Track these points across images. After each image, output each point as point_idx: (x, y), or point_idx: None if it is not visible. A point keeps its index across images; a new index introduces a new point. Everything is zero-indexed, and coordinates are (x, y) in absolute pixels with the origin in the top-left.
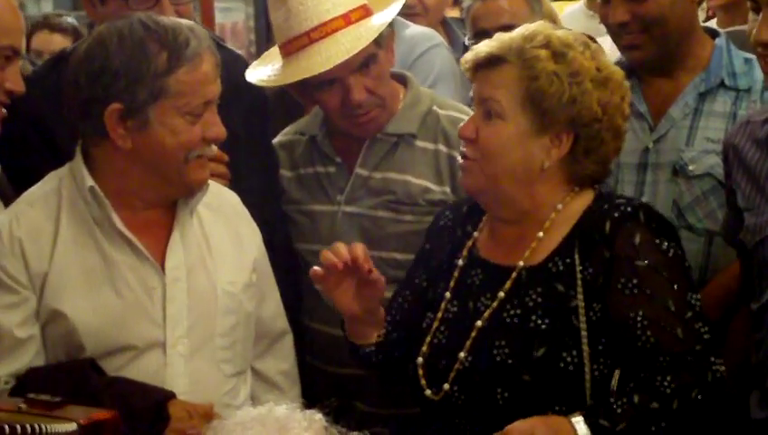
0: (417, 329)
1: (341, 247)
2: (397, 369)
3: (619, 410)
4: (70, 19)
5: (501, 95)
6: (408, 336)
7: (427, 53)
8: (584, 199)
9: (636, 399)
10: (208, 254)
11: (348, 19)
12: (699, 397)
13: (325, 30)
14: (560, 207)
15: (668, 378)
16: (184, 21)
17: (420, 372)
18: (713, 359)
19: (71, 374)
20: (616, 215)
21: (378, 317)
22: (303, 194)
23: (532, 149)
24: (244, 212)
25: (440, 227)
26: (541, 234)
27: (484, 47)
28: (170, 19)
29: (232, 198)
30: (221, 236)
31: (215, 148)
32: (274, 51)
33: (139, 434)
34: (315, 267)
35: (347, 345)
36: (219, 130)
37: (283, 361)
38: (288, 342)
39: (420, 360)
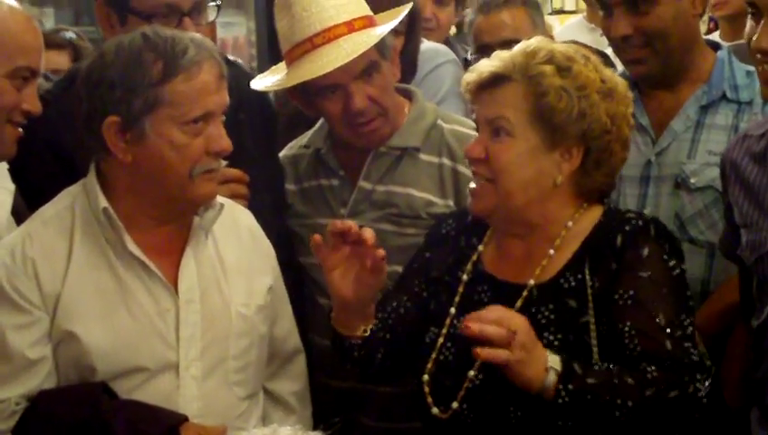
0: (414, 338)
1: (352, 223)
2: (374, 370)
3: (596, 367)
4: (67, 34)
5: (509, 113)
6: (397, 340)
7: (438, 68)
8: (594, 215)
9: (616, 369)
10: (222, 275)
11: (351, 26)
12: (675, 400)
13: (328, 36)
14: (570, 223)
15: (654, 368)
16: (189, 33)
17: (426, 389)
18: (699, 377)
19: (82, 398)
20: (627, 229)
21: (368, 311)
22: (307, 207)
23: (544, 164)
24: (259, 232)
25: (442, 235)
26: (552, 251)
27: (487, 67)
28: (173, 30)
29: (247, 218)
30: (235, 256)
31: (223, 163)
32: (282, 65)
33: None
34: (317, 235)
35: (332, 332)
36: (224, 143)
37: (295, 381)
38: (301, 361)
39: (426, 377)
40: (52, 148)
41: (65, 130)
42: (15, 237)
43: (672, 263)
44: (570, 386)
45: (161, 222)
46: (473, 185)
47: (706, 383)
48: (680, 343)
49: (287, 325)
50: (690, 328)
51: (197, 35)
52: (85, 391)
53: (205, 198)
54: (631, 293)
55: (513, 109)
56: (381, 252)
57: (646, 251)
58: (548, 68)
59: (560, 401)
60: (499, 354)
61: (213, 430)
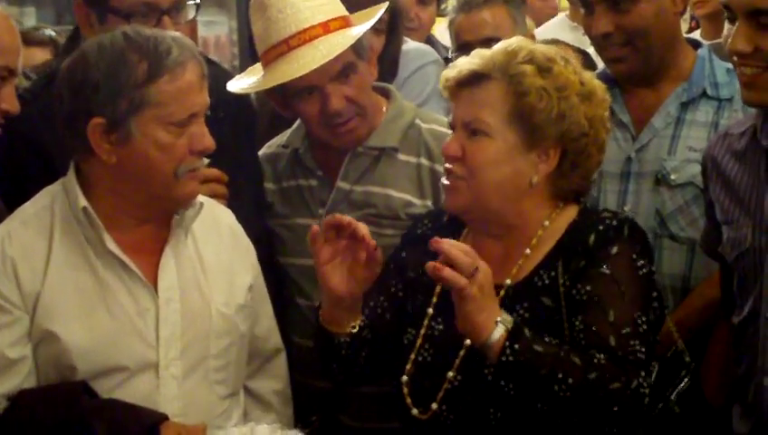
0: (392, 338)
1: (350, 218)
2: (358, 369)
3: (546, 339)
4: (47, 31)
5: (486, 114)
6: (376, 340)
7: (422, 68)
8: (569, 214)
9: (566, 346)
10: (202, 274)
11: (327, 27)
12: (617, 392)
13: (303, 37)
14: (546, 223)
15: (603, 357)
16: (169, 32)
17: (405, 390)
18: (643, 375)
19: (62, 397)
20: (601, 228)
21: (356, 307)
22: (286, 207)
23: (521, 164)
24: (239, 230)
25: (417, 235)
26: (528, 251)
27: (467, 65)
28: (154, 30)
29: (227, 217)
30: (216, 255)
31: (206, 161)
32: (258, 66)
33: None
34: (315, 226)
35: (317, 331)
36: (207, 142)
37: (276, 380)
38: (281, 360)
39: (405, 378)
40: (32, 146)
41: (45, 129)
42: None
43: (640, 263)
44: (516, 345)
45: (141, 221)
46: (445, 181)
47: (646, 383)
48: (626, 339)
49: (268, 324)
50: (644, 327)
51: (178, 35)
52: (65, 391)
53: (188, 198)
54: (588, 288)
55: (491, 109)
56: (375, 242)
57: (615, 249)
58: (529, 68)
59: (503, 358)
60: (459, 278)
61: (193, 428)
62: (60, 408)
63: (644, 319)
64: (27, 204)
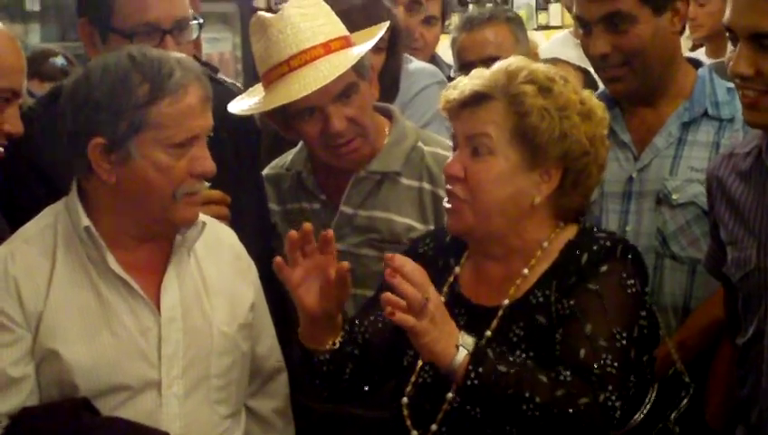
0: (387, 356)
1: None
2: (343, 385)
3: (510, 358)
4: (58, 61)
5: (491, 130)
6: (369, 355)
7: (427, 88)
8: (568, 234)
9: (531, 364)
10: (204, 293)
11: (328, 48)
12: (584, 407)
13: (305, 58)
14: (545, 244)
15: (569, 374)
16: (175, 53)
17: (406, 412)
18: (611, 389)
19: (64, 414)
20: (594, 248)
21: (335, 324)
22: (290, 229)
23: (523, 184)
24: (241, 250)
25: (419, 254)
26: (526, 271)
27: (468, 85)
28: (160, 51)
29: (229, 237)
30: (218, 274)
31: (206, 185)
32: (259, 87)
33: None
34: (278, 257)
35: (299, 351)
36: (207, 165)
37: (277, 399)
38: (282, 379)
39: (405, 400)
40: (34, 166)
41: (47, 149)
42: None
43: (630, 282)
44: (480, 369)
45: (143, 241)
46: (447, 205)
47: (616, 398)
48: (598, 353)
49: (269, 343)
50: (622, 342)
51: (183, 56)
52: (67, 408)
53: (186, 222)
54: (571, 302)
55: (495, 126)
56: (345, 264)
57: (605, 268)
58: (530, 88)
59: (468, 382)
60: (407, 319)
61: None
62: (61, 424)
63: (624, 335)
64: (30, 223)
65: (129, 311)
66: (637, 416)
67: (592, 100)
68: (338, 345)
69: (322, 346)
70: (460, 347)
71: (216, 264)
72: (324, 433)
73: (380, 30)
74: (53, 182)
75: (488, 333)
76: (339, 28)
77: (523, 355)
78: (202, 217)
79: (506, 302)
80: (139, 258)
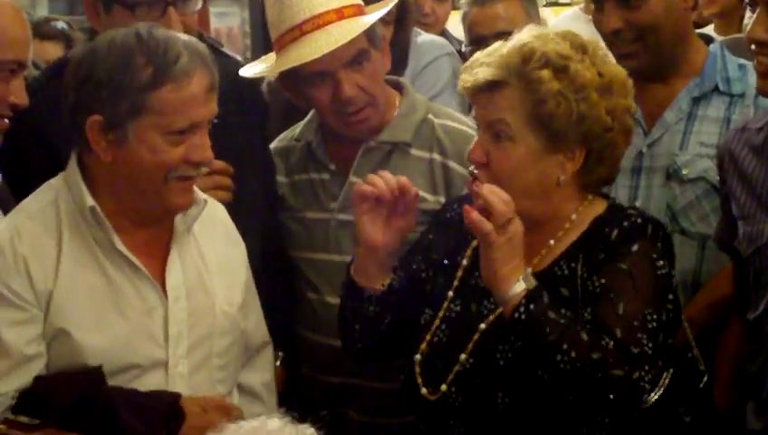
0: (408, 315)
1: (388, 175)
2: (380, 334)
3: (561, 310)
4: (59, 24)
5: (508, 116)
6: (400, 310)
7: (436, 60)
8: (597, 208)
9: (579, 322)
10: (206, 272)
11: (341, 14)
12: (616, 378)
13: (317, 22)
14: (574, 217)
15: (611, 342)
16: (184, 36)
17: (418, 369)
18: (646, 368)
19: (81, 380)
20: (625, 224)
21: (389, 262)
22: (297, 201)
23: (546, 166)
24: (231, 227)
25: (446, 219)
26: (552, 242)
27: (482, 72)
28: (168, 32)
29: (221, 213)
30: (215, 253)
31: (204, 171)
32: (271, 55)
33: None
34: (363, 186)
35: (346, 287)
36: (206, 154)
37: (263, 372)
38: (268, 352)
39: (418, 357)
40: (38, 137)
41: (50, 120)
42: (2, 234)
43: (660, 263)
44: (531, 305)
45: (142, 222)
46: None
47: (648, 378)
48: (632, 332)
49: (256, 317)
50: (653, 324)
51: (191, 40)
52: (84, 373)
53: (179, 208)
54: (603, 281)
55: (512, 111)
56: (416, 190)
57: (636, 247)
58: (545, 73)
59: (516, 315)
60: (484, 223)
61: (212, 400)
62: (80, 387)
63: (654, 317)
64: (30, 199)
65: (134, 291)
66: (647, 396)
67: (612, 69)
68: (387, 287)
69: (373, 284)
70: (521, 280)
71: (212, 242)
72: (330, 404)
73: (392, 0)
74: (58, 154)
75: None
76: None
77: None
78: (200, 193)
79: (530, 270)
80: (142, 238)
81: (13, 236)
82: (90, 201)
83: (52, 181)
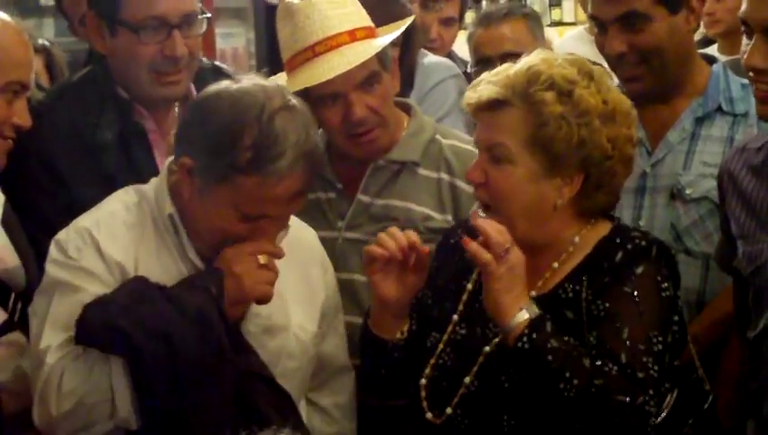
0: (419, 343)
1: (398, 232)
2: (409, 376)
3: (565, 338)
4: (40, 40)
5: (507, 138)
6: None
7: (443, 82)
8: (601, 230)
9: (582, 349)
10: (285, 293)
11: (353, 35)
12: (621, 404)
13: (330, 44)
14: (577, 239)
15: (615, 368)
16: (303, 133)
17: (423, 393)
18: (651, 393)
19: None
20: (629, 247)
21: (404, 313)
22: (304, 219)
23: (544, 189)
24: (319, 250)
25: (451, 244)
26: (556, 265)
27: (486, 90)
28: (289, 125)
29: (311, 238)
30: (298, 277)
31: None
32: (282, 74)
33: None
34: (374, 248)
35: (367, 339)
36: (277, 253)
37: (339, 395)
38: (346, 377)
39: (423, 381)
40: (43, 160)
41: (55, 142)
42: (83, 221)
43: (664, 285)
44: (534, 335)
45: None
46: (481, 217)
47: (654, 402)
48: (638, 356)
49: (337, 341)
50: (658, 347)
51: (310, 141)
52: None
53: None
54: (607, 305)
55: (512, 134)
56: (427, 248)
57: (640, 269)
58: (548, 95)
59: (519, 344)
60: (483, 253)
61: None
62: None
63: (660, 339)
64: (112, 198)
65: None
66: (654, 419)
67: (616, 97)
68: (406, 334)
69: (392, 335)
70: (523, 309)
71: (296, 265)
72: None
73: (405, 23)
74: (62, 177)
75: None
76: (364, 17)
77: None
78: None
79: (533, 293)
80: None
81: (91, 227)
82: (169, 208)
83: (138, 186)
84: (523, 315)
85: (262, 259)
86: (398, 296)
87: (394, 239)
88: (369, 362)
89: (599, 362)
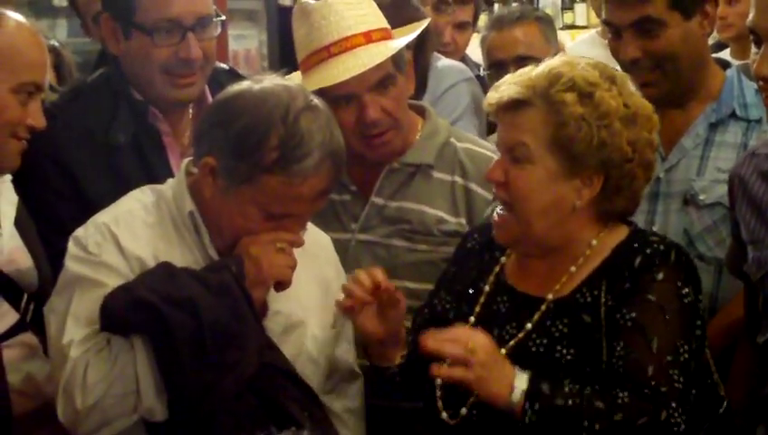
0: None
1: (363, 276)
2: (415, 385)
3: (565, 389)
4: (50, 42)
5: (528, 138)
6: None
7: (456, 85)
8: (619, 235)
9: (587, 390)
10: (303, 294)
11: (369, 37)
12: (644, 426)
13: (345, 45)
14: (594, 242)
15: (626, 395)
16: (328, 133)
17: (438, 393)
18: (674, 405)
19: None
20: (648, 251)
21: (400, 338)
22: (318, 221)
23: (563, 190)
24: (333, 256)
25: (467, 249)
26: (573, 268)
27: (507, 90)
28: (314, 125)
29: (324, 240)
30: (314, 277)
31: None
32: (296, 74)
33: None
34: (340, 299)
35: (370, 372)
36: (296, 240)
37: (350, 399)
38: (358, 384)
39: (439, 381)
40: (56, 161)
41: (69, 144)
42: (102, 217)
43: (685, 290)
44: (536, 405)
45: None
46: (495, 216)
47: (679, 413)
48: (666, 368)
49: (347, 346)
50: (685, 356)
51: (335, 140)
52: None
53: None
54: (633, 315)
55: (532, 134)
56: (392, 284)
57: (661, 275)
58: (569, 96)
59: (527, 419)
60: (453, 372)
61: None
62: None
63: (686, 347)
64: (127, 198)
65: None
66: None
67: (638, 101)
68: (405, 359)
69: (392, 362)
70: (515, 387)
71: (311, 267)
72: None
73: (421, 26)
74: (75, 178)
75: (529, 325)
76: (381, 20)
77: (564, 351)
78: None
79: (550, 296)
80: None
81: (110, 223)
82: (189, 206)
83: (155, 186)
84: (519, 390)
85: (280, 245)
86: (384, 330)
87: (359, 284)
88: (376, 389)
89: (610, 398)
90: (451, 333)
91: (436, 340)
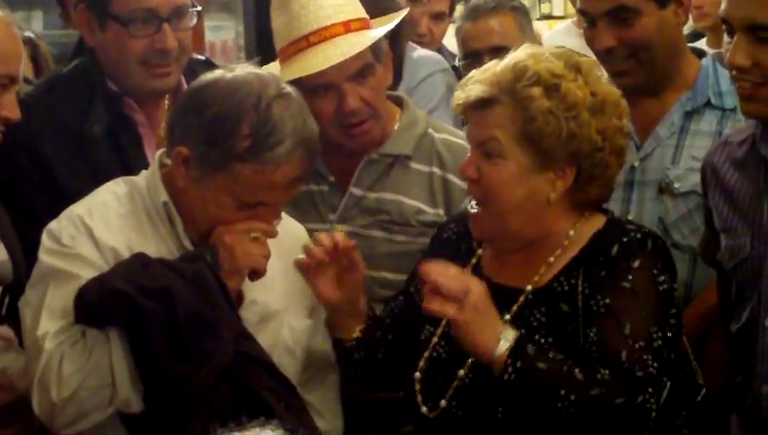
0: (407, 333)
1: (323, 236)
2: (378, 370)
3: (549, 355)
4: (26, 33)
5: (498, 133)
6: (396, 340)
7: (431, 76)
8: (595, 223)
9: (569, 362)
10: (279, 285)
11: (348, 27)
12: (622, 407)
13: (324, 34)
14: (571, 232)
15: (607, 372)
16: (300, 121)
17: (417, 387)
18: (650, 391)
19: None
20: (625, 240)
21: (358, 308)
22: (296, 213)
23: (537, 184)
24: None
25: (444, 239)
26: (552, 259)
27: (474, 90)
28: (286, 112)
29: (298, 230)
30: (284, 269)
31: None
32: (274, 64)
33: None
34: (298, 257)
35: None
36: (265, 227)
37: (326, 390)
38: (334, 375)
39: (418, 375)
40: (31, 153)
41: (44, 135)
42: (76, 209)
43: (661, 278)
44: (518, 363)
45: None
46: (471, 210)
47: (654, 399)
48: (639, 354)
49: (322, 338)
50: (658, 342)
51: (306, 124)
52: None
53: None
54: (607, 301)
55: (502, 129)
56: (352, 242)
57: (637, 263)
58: (535, 90)
59: (506, 376)
60: (447, 309)
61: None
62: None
63: (659, 334)
64: (101, 190)
65: None
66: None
67: (605, 88)
68: (363, 334)
69: (351, 334)
70: (501, 340)
71: (286, 258)
72: (379, 422)
73: (399, 16)
74: (50, 169)
75: (507, 316)
76: (359, 10)
77: (542, 340)
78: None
79: (529, 287)
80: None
81: (83, 215)
82: (163, 196)
83: (129, 178)
84: (504, 346)
85: (254, 234)
86: (342, 296)
87: (319, 244)
88: (339, 359)
89: (591, 372)
90: (452, 271)
91: (437, 271)
